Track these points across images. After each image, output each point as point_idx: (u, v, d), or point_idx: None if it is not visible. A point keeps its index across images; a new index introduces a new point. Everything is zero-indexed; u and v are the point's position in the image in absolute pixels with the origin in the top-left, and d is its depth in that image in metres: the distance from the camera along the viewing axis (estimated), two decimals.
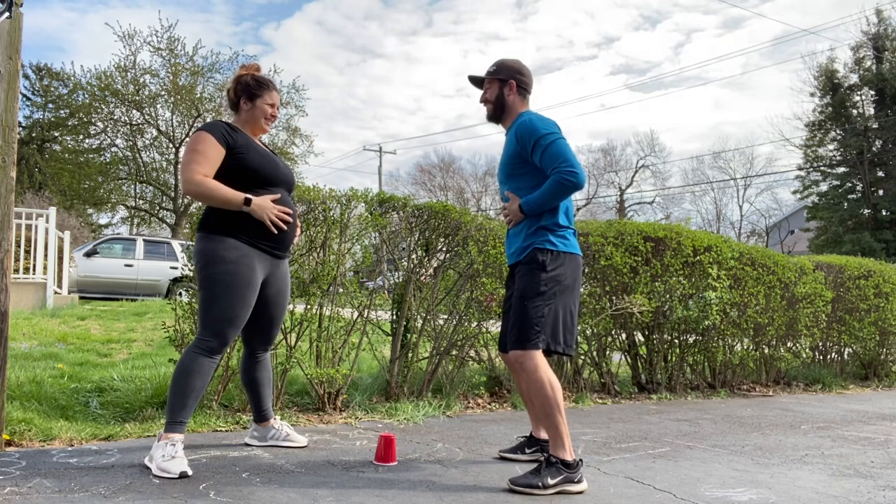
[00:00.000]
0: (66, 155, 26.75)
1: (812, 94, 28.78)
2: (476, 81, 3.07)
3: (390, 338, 4.34)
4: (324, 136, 72.66)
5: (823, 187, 29.01)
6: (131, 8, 54.25)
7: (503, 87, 2.97)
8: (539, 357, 2.74)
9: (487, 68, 3.04)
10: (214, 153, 2.78)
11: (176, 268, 13.15)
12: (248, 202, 2.77)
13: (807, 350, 6.66)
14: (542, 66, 70.58)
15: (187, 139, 25.05)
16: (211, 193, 2.75)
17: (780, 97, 59.91)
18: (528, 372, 2.74)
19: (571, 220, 2.94)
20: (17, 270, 9.25)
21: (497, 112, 3.00)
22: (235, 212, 2.79)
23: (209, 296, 2.76)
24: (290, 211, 2.92)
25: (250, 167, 2.84)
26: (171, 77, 23.95)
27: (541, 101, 73.63)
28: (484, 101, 3.03)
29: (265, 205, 2.81)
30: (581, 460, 2.72)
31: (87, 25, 57.51)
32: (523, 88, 2.99)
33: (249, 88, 2.97)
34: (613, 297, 4.98)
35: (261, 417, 3.17)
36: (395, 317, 4.33)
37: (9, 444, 2.94)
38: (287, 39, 67.19)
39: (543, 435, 3.05)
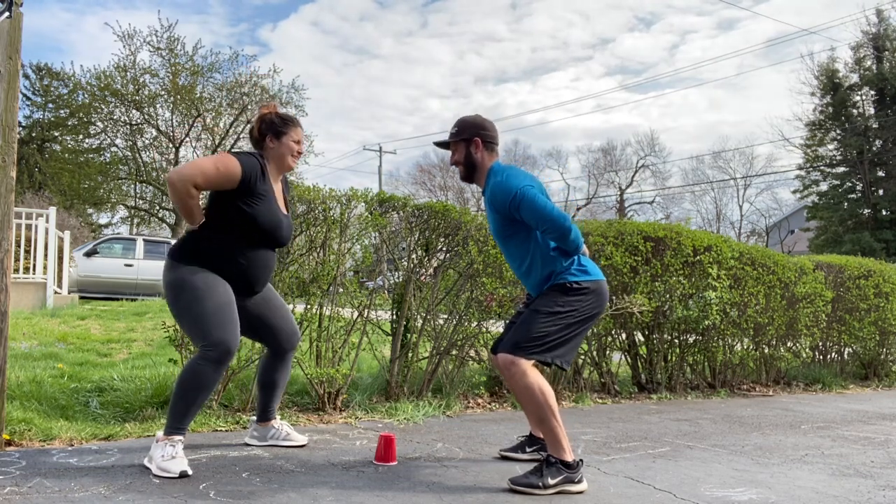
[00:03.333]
0: (66, 155, 26.75)
1: (812, 94, 28.77)
2: (442, 145, 3.04)
3: (390, 338, 4.34)
4: (322, 136, 72.78)
5: (823, 187, 29.00)
6: (128, 9, 54.30)
7: (469, 146, 2.93)
8: (527, 364, 2.71)
9: (450, 130, 3.00)
10: (223, 182, 2.73)
11: None
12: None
13: (807, 350, 6.66)
14: (537, 67, 70.58)
15: (187, 139, 25.18)
16: (188, 200, 2.70)
17: (776, 98, 59.88)
18: (515, 378, 2.71)
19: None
20: (17, 270, 9.25)
21: (469, 172, 2.96)
22: (213, 253, 2.77)
23: (191, 315, 2.71)
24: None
25: (249, 215, 2.78)
26: (171, 77, 23.94)
27: (538, 102, 73.64)
28: (454, 163, 3.00)
29: None
30: (581, 460, 2.72)
31: (84, 26, 57.54)
32: (489, 142, 2.95)
33: (275, 126, 2.93)
34: (613, 297, 4.98)
35: (264, 417, 3.17)
36: (395, 317, 4.33)
37: (9, 443, 2.94)
38: (283, 40, 67.12)
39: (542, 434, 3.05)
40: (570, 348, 2.81)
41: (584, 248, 2.91)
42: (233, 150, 2.92)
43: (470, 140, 2.92)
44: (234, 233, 2.80)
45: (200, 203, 2.81)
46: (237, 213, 2.77)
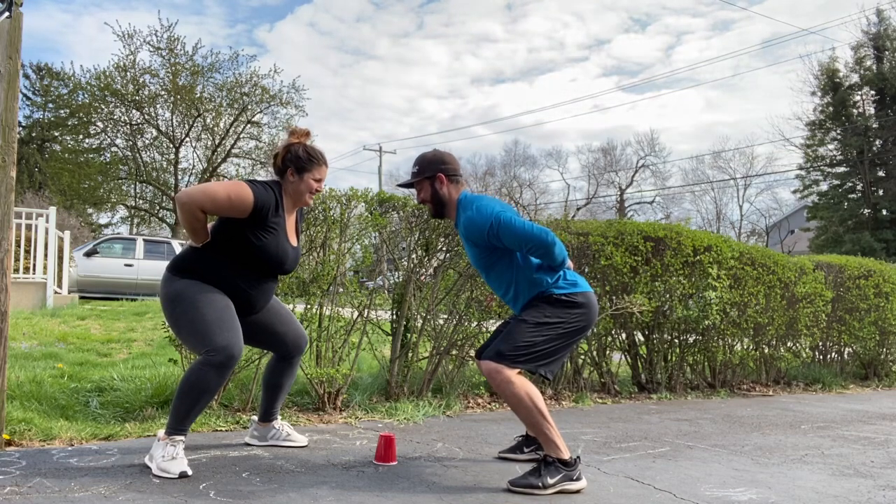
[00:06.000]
0: (66, 155, 26.76)
1: (812, 94, 28.77)
2: (407, 185, 3.04)
3: (390, 337, 4.34)
4: (319, 136, 72.51)
5: (823, 187, 29.00)
6: (126, 10, 54.38)
7: (433, 183, 2.93)
8: (511, 372, 2.70)
9: (412, 169, 3.00)
10: (233, 211, 2.69)
11: None
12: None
13: (807, 350, 6.66)
14: (534, 68, 70.64)
15: (187, 139, 25.18)
16: (194, 223, 2.67)
17: (772, 98, 60.07)
18: (500, 386, 2.70)
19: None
20: (17, 270, 9.24)
21: (439, 208, 2.97)
22: (212, 273, 2.74)
23: (190, 323, 2.68)
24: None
25: (256, 247, 2.75)
26: (171, 77, 23.95)
27: (535, 103, 73.72)
28: (421, 201, 3.00)
29: None
30: (578, 457, 2.71)
31: (82, 28, 57.54)
32: (453, 175, 2.94)
33: (299, 161, 2.85)
34: (613, 297, 4.98)
35: (266, 417, 3.17)
36: (395, 316, 4.33)
37: (9, 443, 2.94)
38: (280, 41, 67.10)
39: None
40: (557, 359, 2.80)
41: (569, 262, 2.90)
42: (252, 179, 2.85)
43: (433, 177, 2.92)
44: (237, 257, 2.77)
45: (208, 223, 2.78)
46: (244, 241, 2.74)
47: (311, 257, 4.01)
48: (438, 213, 3.00)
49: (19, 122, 5.42)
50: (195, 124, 25.23)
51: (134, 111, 24.77)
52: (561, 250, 2.75)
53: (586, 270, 4.99)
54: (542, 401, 2.72)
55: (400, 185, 3.20)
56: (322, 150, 2.95)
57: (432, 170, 2.92)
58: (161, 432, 2.67)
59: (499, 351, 2.73)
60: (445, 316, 4.46)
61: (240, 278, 2.79)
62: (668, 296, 5.21)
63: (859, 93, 27.52)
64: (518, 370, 2.72)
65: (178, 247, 13.86)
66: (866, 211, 27.01)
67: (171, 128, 25.30)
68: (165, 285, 2.79)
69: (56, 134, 30.51)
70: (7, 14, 2.85)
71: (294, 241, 2.94)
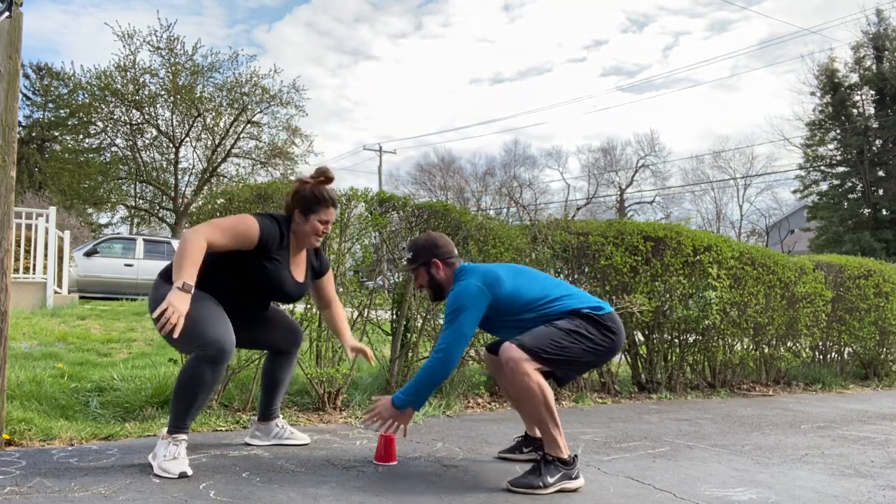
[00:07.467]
0: (66, 155, 26.78)
1: (812, 94, 28.77)
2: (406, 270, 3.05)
3: (390, 337, 4.34)
4: (319, 136, 72.54)
5: (823, 187, 29.00)
6: (125, 11, 54.25)
7: (429, 269, 2.94)
8: (531, 366, 2.67)
9: (406, 255, 3.02)
10: (237, 245, 2.68)
11: None
12: (182, 287, 2.47)
13: (807, 350, 6.67)
14: (532, 68, 70.74)
15: (187, 139, 25.18)
16: (183, 260, 2.52)
17: (770, 98, 60.09)
18: (518, 375, 2.66)
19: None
20: (17, 270, 9.25)
21: (437, 293, 2.98)
22: (204, 286, 2.66)
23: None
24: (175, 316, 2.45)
25: (257, 275, 2.76)
26: (171, 77, 23.96)
27: (533, 103, 73.78)
28: (419, 287, 3.02)
29: (176, 305, 2.43)
30: (577, 456, 2.71)
31: (80, 28, 57.33)
32: (447, 258, 2.94)
33: (305, 203, 2.85)
34: (613, 297, 4.98)
35: (267, 416, 3.17)
36: (395, 316, 4.33)
37: (9, 443, 2.94)
38: (279, 41, 66.98)
39: (538, 433, 3.04)
40: (575, 370, 2.81)
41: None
42: (260, 213, 2.85)
43: (428, 263, 2.94)
44: (233, 277, 2.77)
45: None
46: (243, 265, 2.75)
47: None
48: (438, 297, 3.01)
49: (19, 122, 5.42)
50: (195, 124, 25.26)
51: (134, 111, 24.81)
52: (443, 375, 2.74)
53: (586, 270, 5.00)
54: (553, 400, 2.71)
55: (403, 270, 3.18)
56: (332, 191, 2.92)
57: (426, 256, 2.94)
58: (163, 431, 2.67)
59: (523, 343, 2.69)
60: None
61: (234, 293, 2.80)
62: (668, 296, 5.21)
63: (859, 93, 27.52)
64: (537, 366, 2.70)
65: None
66: (866, 211, 27.01)
67: (171, 127, 25.34)
68: (153, 291, 2.77)
69: (56, 134, 30.52)
70: (7, 14, 2.85)
71: (300, 277, 2.93)
